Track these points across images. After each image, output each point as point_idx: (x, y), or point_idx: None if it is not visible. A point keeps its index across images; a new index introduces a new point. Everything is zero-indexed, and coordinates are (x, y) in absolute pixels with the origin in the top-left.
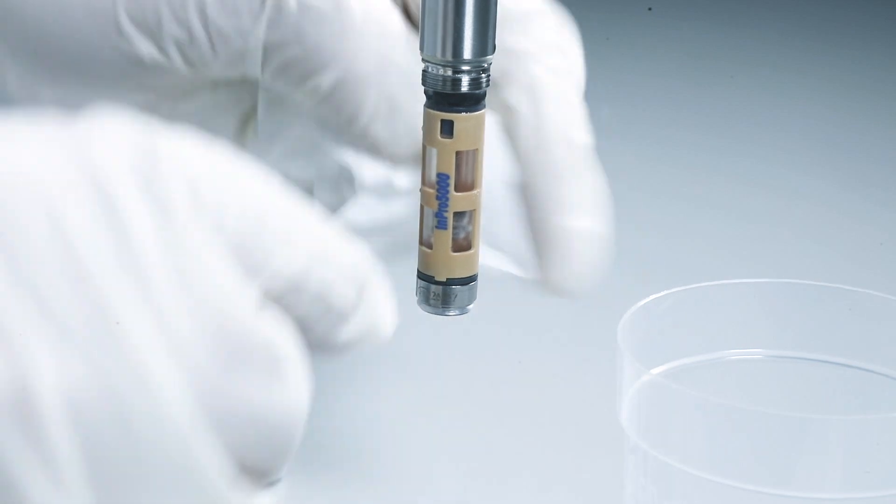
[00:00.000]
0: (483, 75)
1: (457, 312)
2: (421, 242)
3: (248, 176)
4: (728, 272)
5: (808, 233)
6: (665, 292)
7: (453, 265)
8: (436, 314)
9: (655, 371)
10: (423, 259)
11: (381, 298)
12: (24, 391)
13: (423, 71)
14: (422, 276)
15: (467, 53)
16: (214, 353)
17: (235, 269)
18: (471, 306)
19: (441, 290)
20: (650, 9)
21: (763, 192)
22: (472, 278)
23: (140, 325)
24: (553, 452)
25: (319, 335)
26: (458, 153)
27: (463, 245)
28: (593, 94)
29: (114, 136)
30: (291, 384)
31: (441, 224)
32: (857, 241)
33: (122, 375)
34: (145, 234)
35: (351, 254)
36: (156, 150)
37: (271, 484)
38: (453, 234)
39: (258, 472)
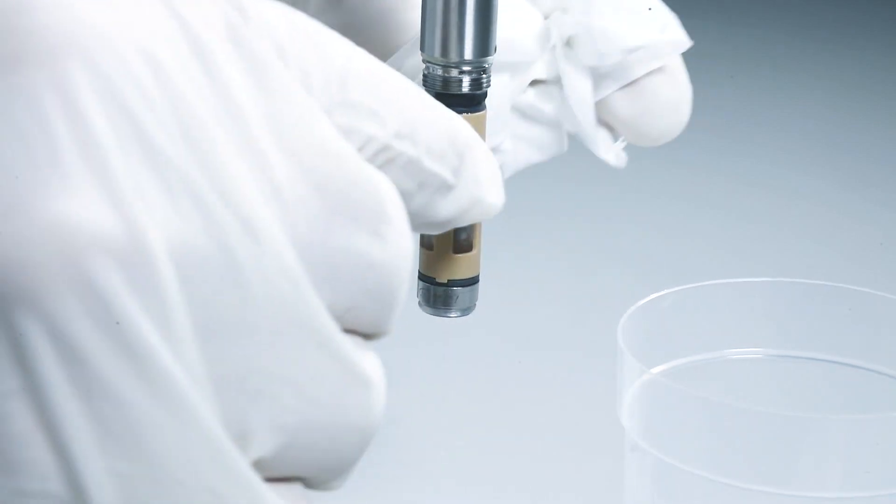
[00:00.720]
0: (484, 76)
1: (458, 314)
2: (422, 244)
3: (332, 40)
4: (728, 272)
5: (808, 232)
6: (665, 291)
7: (455, 266)
8: (437, 315)
9: (656, 370)
10: (425, 260)
11: (484, 168)
12: (136, 244)
13: (424, 72)
14: (423, 277)
15: (468, 54)
16: (319, 202)
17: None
18: (473, 307)
19: (442, 291)
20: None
21: (763, 191)
22: (474, 279)
23: (246, 174)
24: (553, 452)
25: (417, 208)
26: None
27: (464, 246)
28: None
29: None
30: (396, 234)
31: None
32: (857, 240)
33: (231, 227)
34: (242, 87)
35: (447, 120)
36: (244, 10)
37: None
38: (455, 235)
39: (365, 330)
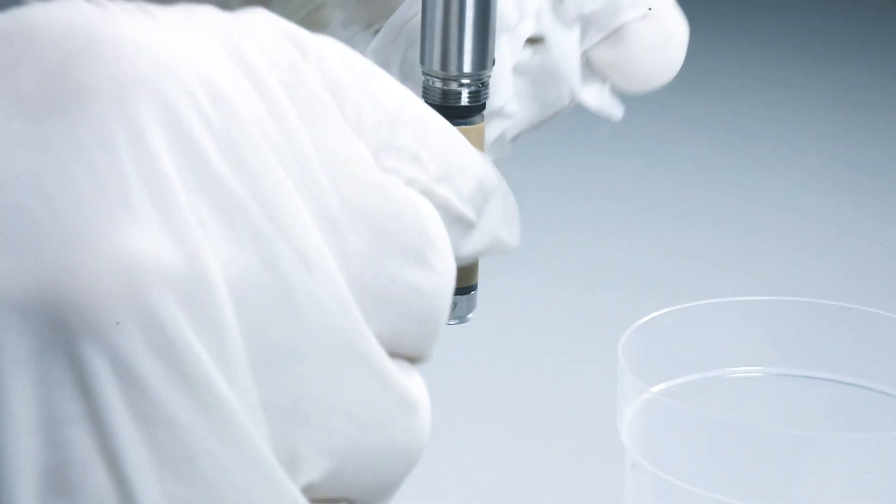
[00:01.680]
0: (482, 88)
1: (456, 321)
2: None
3: (386, 84)
4: (729, 289)
5: (808, 250)
6: (666, 310)
7: None
8: None
9: (656, 389)
10: None
11: (506, 211)
12: (197, 276)
13: (423, 84)
14: None
15: (467, 67)
16: (369, 233)
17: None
18: (470, 315)
19: None
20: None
21: (764, 209)
22: (472, 288)
23: (300, 205)
24: (554, 468)
25: None
26: None
27: None
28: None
29: (262, 28)
30: (441, 260)
31: None
32: (857, 258)
33: (285, 257)
34: (298, 121)
35: (477, 164)
36: (304, 47)
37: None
38: None
39: (409, 354)
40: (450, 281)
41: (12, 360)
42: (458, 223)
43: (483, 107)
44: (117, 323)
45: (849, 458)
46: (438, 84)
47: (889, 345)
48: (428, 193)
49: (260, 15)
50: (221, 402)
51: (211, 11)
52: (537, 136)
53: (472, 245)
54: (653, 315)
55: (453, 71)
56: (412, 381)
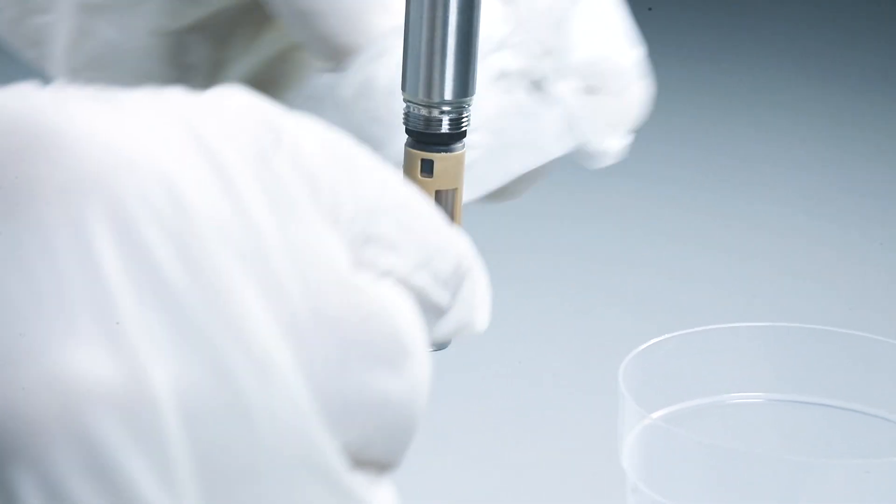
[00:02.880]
0: (464, 115)
1: (435, 348)
2: None
3: (367, 168)
4: (729, 315)
5: (808, 275)
6: (666, 336)
7: None
8: None
9: (656, 415)
10: None
11: (479, 293)
12: (138, 393)
13: (405, 111)
14: None
15: (448, 94)
16: (335, 338)
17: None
18: (448, 343)
19: None
20: (650, 8)
21: (765, 234)
22: None
23: (261, 311)
24: (554, 493)
25: None
26: (437, 192)
27: None
28: None
29: (233, 113)
30: (413, 371)
31: None
32: (857, 284)
33: (242, 365)
34: (264, 219)
35: (455, 246)
36: (279, 135)
37: (389, 472)
38: None
39: (377, 462)
40: (423, 388)
41: None
42: (432, 310)
43: (464, 134)
44: (49, 445)
45: (849, 484)
46: (421, 111)
47: (889, 370)
48: (405, 282)
49: (234, 97)
50: None
51: (179, 96)
52: None
53: (441, 330)
54: (653, 341)
55: (436, 98)
56: (378, 495)
